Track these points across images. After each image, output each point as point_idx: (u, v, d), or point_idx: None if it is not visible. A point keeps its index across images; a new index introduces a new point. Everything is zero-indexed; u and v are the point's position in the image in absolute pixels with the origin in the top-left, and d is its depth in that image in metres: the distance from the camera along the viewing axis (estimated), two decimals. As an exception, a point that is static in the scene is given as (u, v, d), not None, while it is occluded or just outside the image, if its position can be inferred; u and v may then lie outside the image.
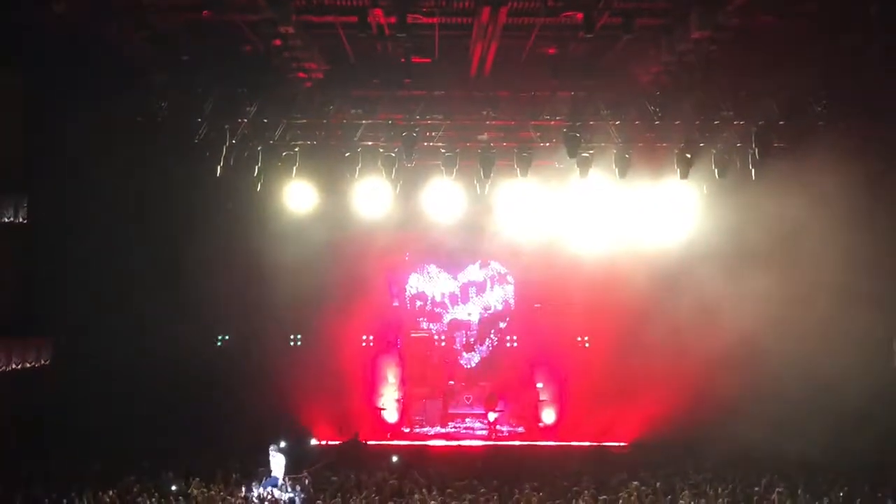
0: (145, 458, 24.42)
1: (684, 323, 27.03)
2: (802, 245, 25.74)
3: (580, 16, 19.98)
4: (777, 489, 20.80)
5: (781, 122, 24.49)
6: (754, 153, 24.57)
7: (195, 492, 21.08)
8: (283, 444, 23.78)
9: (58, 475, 22.64)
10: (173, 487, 21.58)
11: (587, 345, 31.93)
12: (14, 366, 25.60)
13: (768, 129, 24.45)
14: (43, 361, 26.71)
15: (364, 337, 31.86)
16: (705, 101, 24.43)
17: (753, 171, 24.82)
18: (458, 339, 33.02)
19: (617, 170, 25.13)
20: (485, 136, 25.68)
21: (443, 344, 32.94)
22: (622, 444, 29.28)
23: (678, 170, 25.31)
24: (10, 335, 25.74)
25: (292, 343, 31.31)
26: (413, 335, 32.94)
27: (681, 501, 19.64)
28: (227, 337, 31.07)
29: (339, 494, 21.10)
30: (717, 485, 21.45)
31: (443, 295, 33.08)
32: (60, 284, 26.98)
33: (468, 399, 32.16)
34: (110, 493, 20.53)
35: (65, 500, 19.63)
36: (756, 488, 20.90)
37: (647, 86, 24.43)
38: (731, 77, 23.81)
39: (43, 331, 26.86)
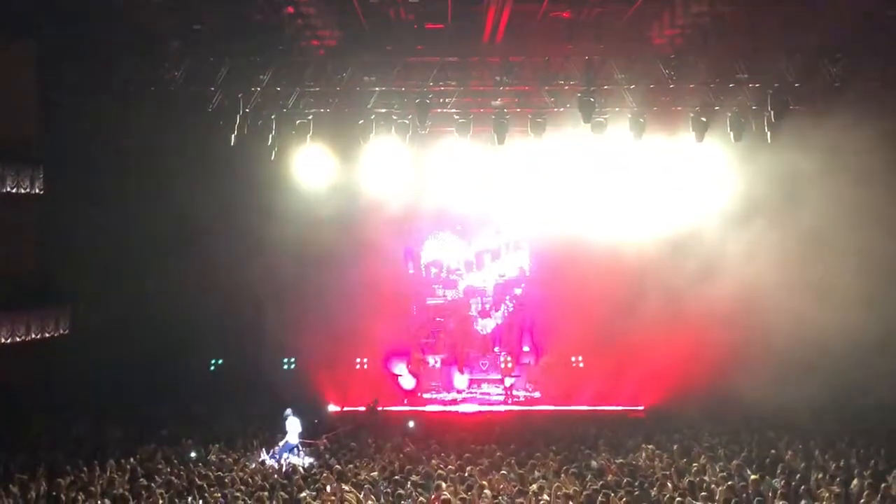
0: (165, 425, 24.66)
1: (700, 288, 26.99)
2: (821, 206, 25.65)
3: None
4: (789, 451, 20.86)
5: (797, 84, 24.32)
6: (770, 116, 24.41)
7: (213, 458, 21.28)
8: (296, 412, 23.87)
9: (80, 443, 22.89)
10: (192, 454, 21.78)
11: (581, 364, 31.84)
12: (34, 335, 25.82)
13: (784, 91, 24.28)
14: (62, 331, 26.90)
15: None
16: (720, 63, 24.27)
17: (769, 133, 24.67)
18: (473, 306, 33.06)
19: (632, 134, 25.04)
20: (498, 102, 25.62)
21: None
22: (639, 408, 29.36)
23: (693, 133, 25.23)
24: (28, 306, 25.93)
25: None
26: (429, 302, 33.01)
27: (695, 465, 19.69)
28: (220, 361, 30.91)
29: (356, 460, 21.26)
30: (732, 448, 21.53)
31: (458, 262, 33.08)
32: (77, 254, 27.12)
33: (484, 365, 32.28)
34: (131, 460, 20.75)
35: (86, 468, 19.82)
36: (773, 451, 20.94)
37: (662, 49, 24.30)
38: (745, 39, 23.64)
39: (61, 301, 27.03)
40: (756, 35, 23.49)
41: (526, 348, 32.37)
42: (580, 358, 31.84)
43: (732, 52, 24.03)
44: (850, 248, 25.71)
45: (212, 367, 30.82)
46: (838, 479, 17.76)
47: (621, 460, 20.66)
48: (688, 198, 27.89)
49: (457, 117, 25.44)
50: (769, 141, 24.84)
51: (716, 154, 26.72)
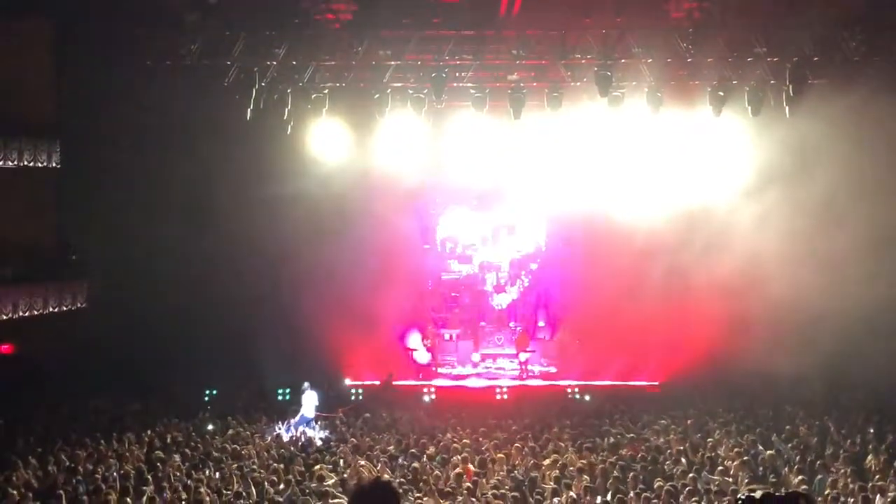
0: (182, 397, 24.82)
1: (716, 263, 26.89)
2: (843, 179, 25.48)
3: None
4: (802, 426, 20.86)
5: (816, 58, 24.11)
6: (788, 90, 24.23)
7: (230, 431, 21.42)
8: (315, 385, 24.08)
9: (98, 415, 23.09)
10: (209, 427, 21.94)
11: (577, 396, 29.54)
12: (51, 308, 25.99)
13: (802, 65, 24.07)
14: (79, 304, 27.07)
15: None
16: (738, 37, 24.06)
17: (787, 108, 24.49)
18: (488, 281, 33.05)
19: (649, 108, 24.90)
20: (515, 76, 25.50)
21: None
22: (654, 383, 29.36)
23: (711, 108, 25.08)
24: (46, 279, 26.09)
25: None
26: (444, 277, 33.01)
27: (710, 440, 19.71)
28: (214, 392, 28.21)
29: (371, 433, 21.38)
30: (747, 423, 21.54)
31: (473, 236, 33.03)
32: (94, 228, 27.24)
33: (499, 339, 32.27)
34: (149, 432, 20.92)
35: (104, 441, 20.00)
36: (788, 426, 20.94)
37: (680, 22, 24.09)
38: (764, 12, 23.42)
39: (78, 275, 27.18)
40: (775, 9, 23.26)
41: (541, 323, 32.39)
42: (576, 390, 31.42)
43: (751, 25, 23.81)
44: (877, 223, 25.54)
45: (206, 398, 28.01)
46: (853, 455, 17.76)
47: (635, 435, 20.71)
48: (705, 172, 27.76)
49: (473, 91, 25.33)
50: (787, 115, 24.65)
51: (733, 128, 26.54)
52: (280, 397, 27.88)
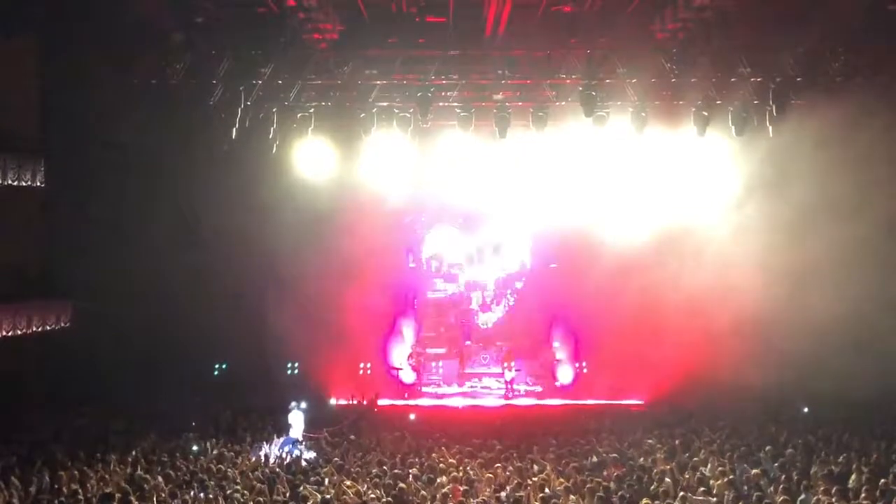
0: (166, 418, 24.67)
1: (702, 281, 26.98)
2: (828, 204, 25.63)
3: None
4: (790, 445, 20.86)
5: (799, 79, 24.31)
6: (772, 110, 24.40)
7: (215, 451, 21.29)
8: (302, 405, 24.06)
9: (82, 435, 22.91)
10: (194, 447, 21.80)
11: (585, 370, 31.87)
12: (35, 328, 25.84)
13: (786, 85, 24.26)
14: (63, 324, 26.92)
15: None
16: (722, 57, 24.25)
17: (771, 128, 24.67)
18: (474, 300, 33.06)
19: (633, 128, 25.03)
20: (500, 96, 25.61)
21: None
22: (639, 402, 29.37)
23: (695, 127, 25.23)
24: (29, 298, 25.94)
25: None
26: (429, 296, 33.01)
27: (695, 459, 19.68)
28: (224, 366, 30.93)
29: (357, 453, 21.28)
30: (732, 441, 21.52)
31: (459, 256, 33.06)
32: (78, 247, 27.12)
33: (485, 359, 32.29)
34: (133, 452, 20.77)
35: (87, 461, 19.85)
36: (772, 445, 20.94)
37: (664, 43, 24.23)
38: (748, 33, 23.61)
39: (62, 294, 27.03)
40: (758, 29, 23.44)
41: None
42: (584, 363, 31.80)
43: (735, 46, 24.02)
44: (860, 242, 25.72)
45: (215, 372, 30.74)
46: (838, 473, 17.77)
47: (619, 455, 20.66)
48: (689, 191, 27.90)
49: (458, 111, 25.41)
50: (771, 135, 24.83)
51: (717, 147, 26.69)
52: (289, 371, 30.09)
